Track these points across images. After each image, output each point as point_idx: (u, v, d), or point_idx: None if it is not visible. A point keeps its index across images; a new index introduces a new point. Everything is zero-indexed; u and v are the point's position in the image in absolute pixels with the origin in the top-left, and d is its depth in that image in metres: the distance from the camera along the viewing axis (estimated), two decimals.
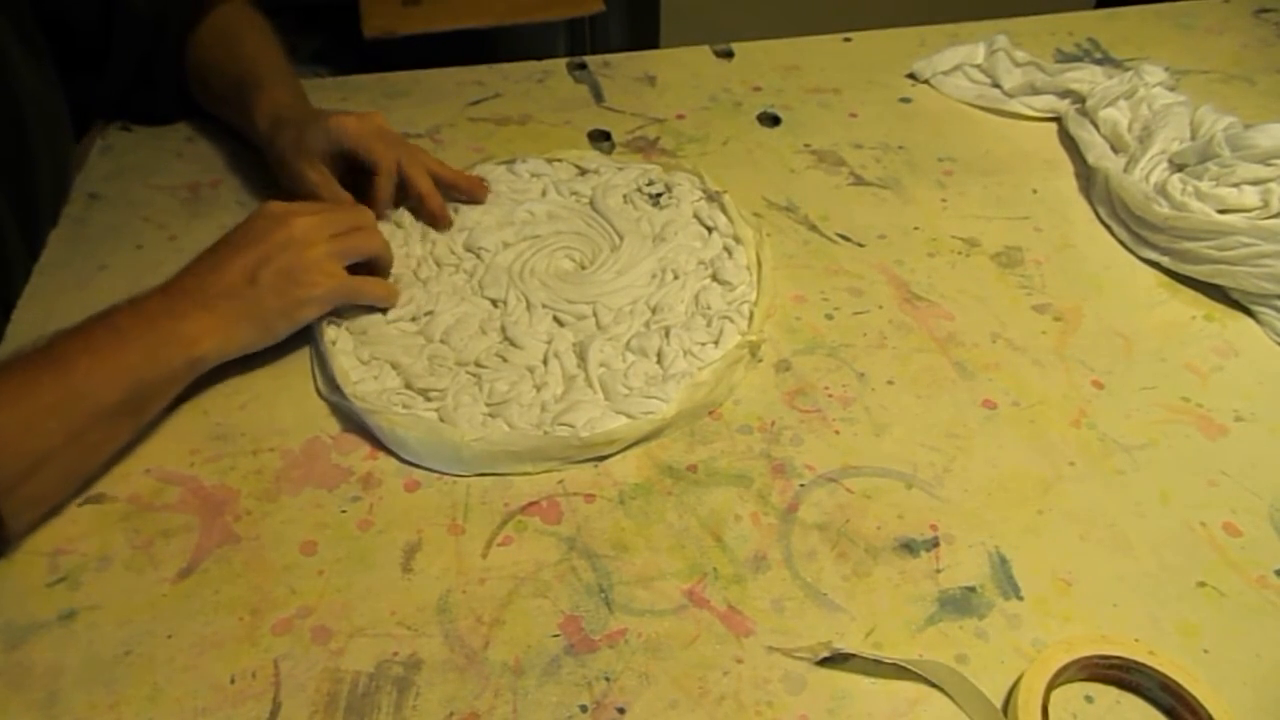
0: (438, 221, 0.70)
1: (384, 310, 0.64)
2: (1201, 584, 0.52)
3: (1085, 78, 0.86)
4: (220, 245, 0.59)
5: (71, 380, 0.50)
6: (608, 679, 0.47)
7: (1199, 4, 1.06)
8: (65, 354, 0.51)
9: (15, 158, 0.66)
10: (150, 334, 0.53)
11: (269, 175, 0.76)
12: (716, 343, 0.62)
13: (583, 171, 0.77)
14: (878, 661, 0.47)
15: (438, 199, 0.70)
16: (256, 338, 0.58)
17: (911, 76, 0.93)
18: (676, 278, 0.67)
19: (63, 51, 0.74)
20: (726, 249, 0.69)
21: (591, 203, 0.73)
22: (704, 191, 0.74)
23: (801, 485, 0.56)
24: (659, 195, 0.74)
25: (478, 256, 0.68)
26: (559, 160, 0.78)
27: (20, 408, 0.48)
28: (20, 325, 0.63)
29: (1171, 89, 0.84)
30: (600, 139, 0.83)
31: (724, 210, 0.72)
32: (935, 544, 0.53)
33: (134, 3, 0.76)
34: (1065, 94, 0.87)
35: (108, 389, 0.51)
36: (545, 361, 0.61)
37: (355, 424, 0.58)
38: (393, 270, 0.67)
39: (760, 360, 0.63)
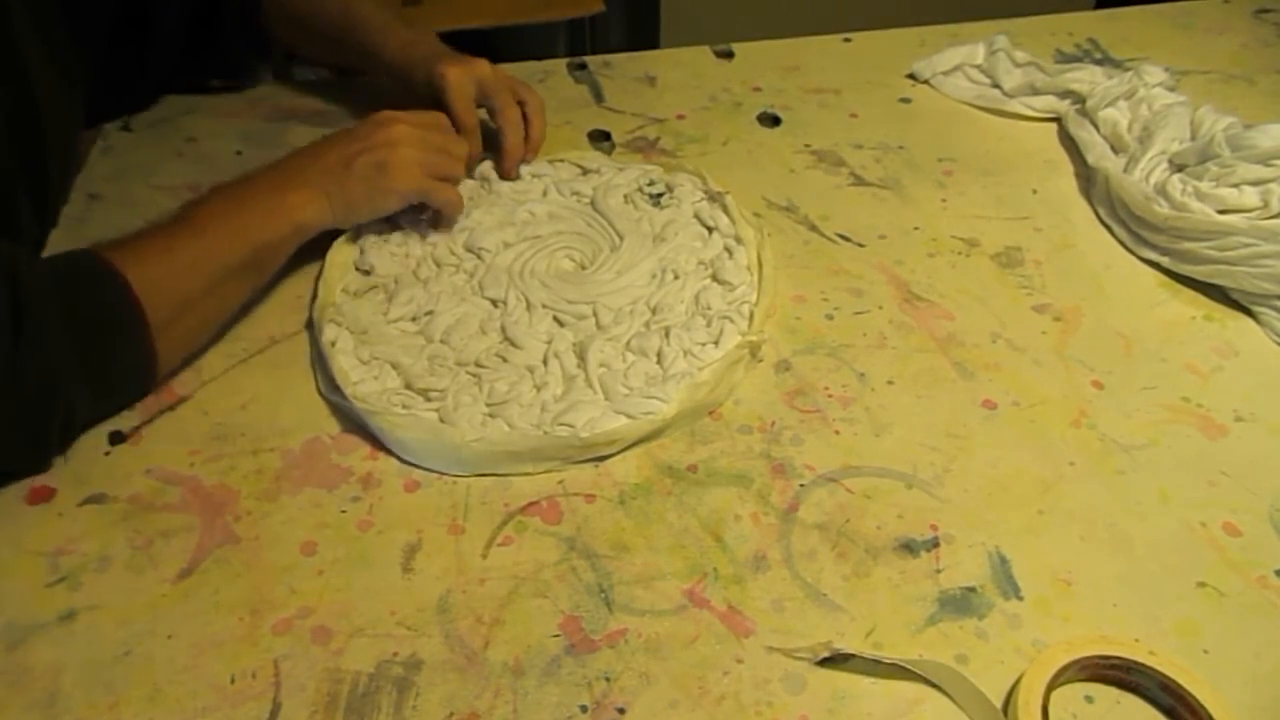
0: (505, 172, 0.76)
1: (385, 314, 0.64)
2: (1201, 584, 0.52)
3: (1085, 78, 0.86)
4: (331, 136, 0.67)
5: (204, 241, 0.59)
6: (608, 679, 0.47)
7: (1199, 4, 1.06)
8: (197, 219, 0.60)
9: (33, 154, 0.67)
10: (263, 203, 0.62)
11: None
12: (716, 343, 0.62)
13: (584, 171, 0.77)
14: (878, 661, 0.47)
15: (510, 160, 0.76)
16: (345, 216, 0.66)
17: (911, 76, 0.93)
18: (677, 278, 0.67)
19: (97, 21, 0.76)
20: (727, 249, 0.69)
21: (593, 203, 0.73)
22: (705, 192, 0.74)
23: (801, 485, 0.56)
24: (660, 195, 0.74)
25: (478, 257, 0.68)
26: (561, 160, 0.78)
27: (166, 263, 0.57)
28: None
29: (1171, 89, 0.84)
30: (600, 139, 0.83)
31: (725, 211, 0.72)
32: (935, 544, 0.53)
33: None
34: (1065, 94, 0.87)
35: (233, 249, 0.59)
36: (545, 361, 0.61)
37: (355, 424, 0.58)
38: (393, 270, 0.67)
39: (760, 360, 0.63)
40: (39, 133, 0.67)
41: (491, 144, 0.77)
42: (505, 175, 0.75)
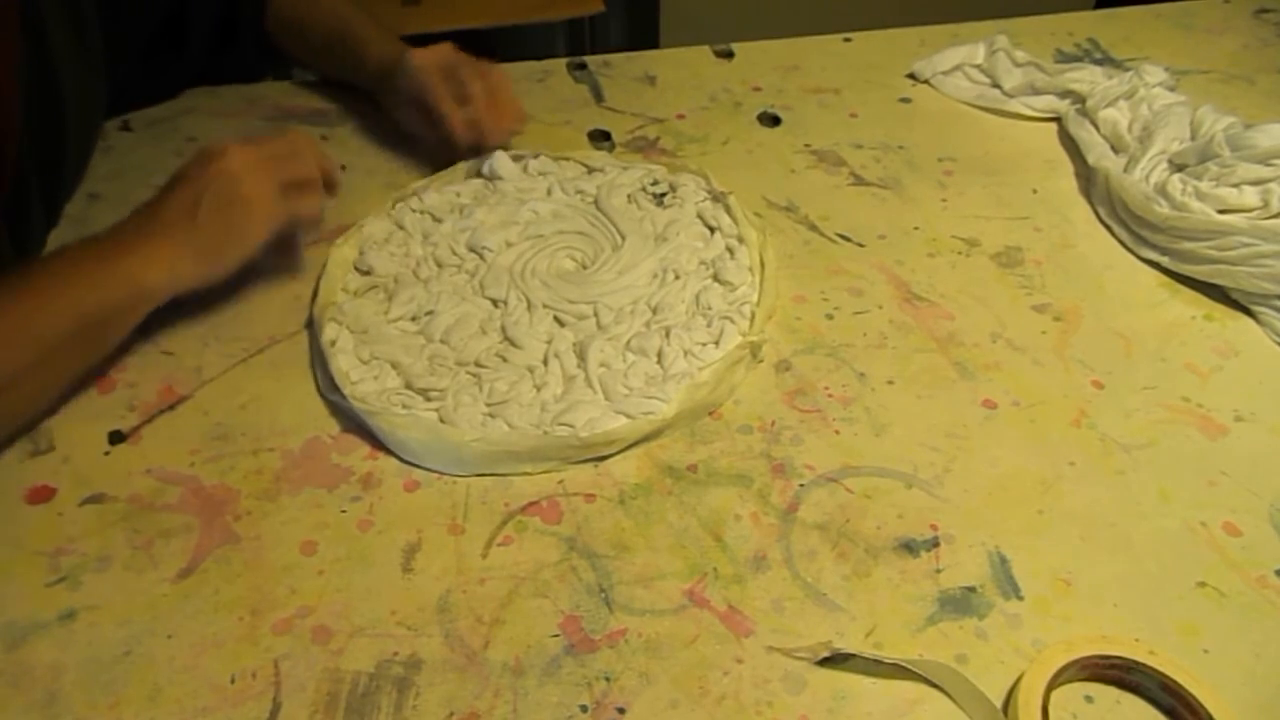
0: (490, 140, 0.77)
1: (386, 313, 0.64)
2: (1201, 584, 0.52)
3: (1085, 78, 0.86)
4: (164, 186, 0.60)
5: (24, 310, 0.54)
6: (608, 679, 0.47)
7: (1199, 4, 1.06)
8: (23, 284, 0.55)
9: (51, 157, 0.68)
10: (97, 269, 0.56)
11: None
12: (717, 343, 0.62)
13: (589, 170, 0.77)
14: (878, 661, 0.47)
15: (490, 129, 0.76)
16: (206, 269, 0.59)
17: (911, 76, 0.93)
18: (677, 278, 0.67)
19: (137, 33, 0.77)
20: (729, 249, 0.69)
21: (596, 202, 0.73)
22: (709, 192, 0.74)
23: (801, 485, 0.56)
24: (663, 195, 0.74)
25: (480, 256, 0.68)
26: (566, 159, 0.78)
27: None
28: None
29: (1171, 89, 0.84)
30: (600, 139, 0.83)
31: (728, 211, 0.72)
32: (935, 544, 0.53)
33: None
34: (1065, 94, 0.87)
35: (58, 320, 0.54)
36: (545, 361, 0.61)
37: (355, 424, 0.58)
38: (394, 270, 0.67)
39: (761, 361, 0.63)
40: (61, 124, 0.67)
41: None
42: (491, 143, 0.76)
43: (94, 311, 0.55)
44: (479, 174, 0.76)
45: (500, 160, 0.76)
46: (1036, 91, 0.88)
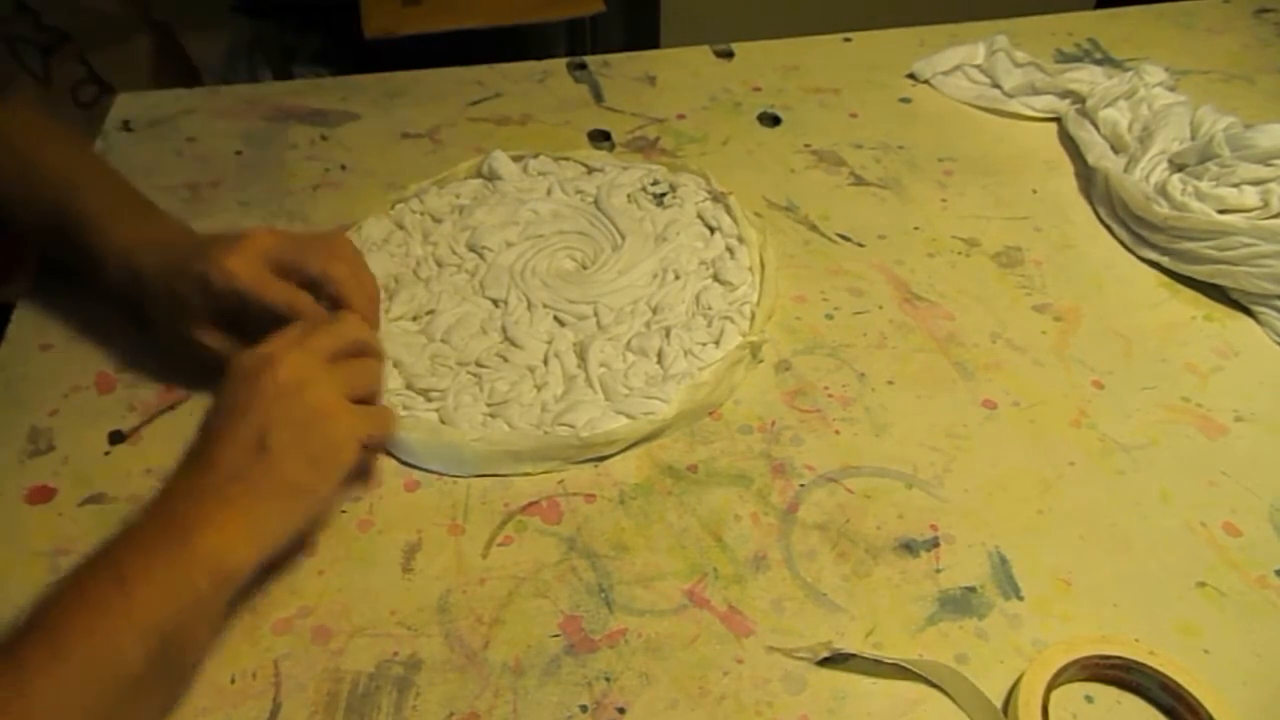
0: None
1: (386, 313, 0.64)
2: (1201, 584, 0.52)
3: (1085, 78, 0.86)
4: (203, 436, 0.47)
5: (80, 654, 0.38)
6: (608, 679, 0.47)
7: (1199, 4, 1.06)
8: (60, 627, 0.39)
9: None
10: (162, 569, 0.41)
11: (269, 176, 0.76)
12: (717, 343, 0.62)
13: (589, 170, 0.77)
14: (878, 661, 0.47)
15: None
16: (299, 517, 0.47)
17: (911, 76, 0.93)
18: (677, 278, 0.67)
19: None
20: (729, 249, 0.69)
21: (596, 202, 0.73)
22: (709, 192, 0.74)
23: (801, 485, 0.56)
24: (663, 195, 0.74)
25: (480, 256, 0.68)
26: (566, 159, 0.78)
27: (12, 710, 0.37)
28: (20, 325, 0.63)
29: (1171, 89, 0.84)
30: (600, 139, 0.83)
31: (728, 211, 0.72)
32: (935, 544, 0.53)
33: None
34: (1065, 94, 0.87)
35: (126, 654, 0.39)
36: (546, 361, 0.61)
37: None
38: (394, 270, 0.67)
39: (761, 361, 0.63)
40: None
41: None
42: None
43: (171, 625, 0.40)
44: (479, 174, 0.76)
45: (500, 160, 0.76)
46: (1036, 91, 0.88)
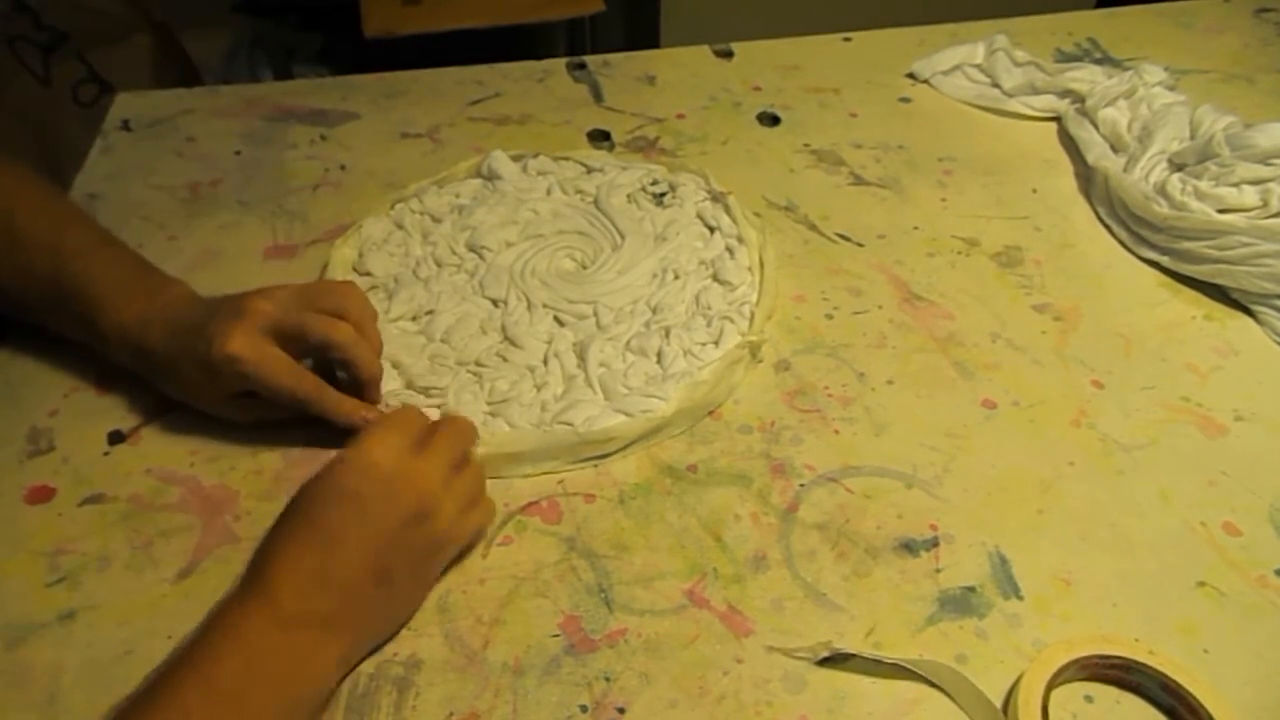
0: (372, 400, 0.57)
1: (386, 313, 0.64)
2: (1201, 584, 0.52)
3: (1085, 77, 0.86)
4: (316, 534, 0.44)
5: None
6: (608, 679, 0.47)
7: (1199, 4, 1.06)
8: None
9: None
10: (255, 690, 0.41)
11: (269, 176, 0.76)
12: (717, 343, 0.62)
13: (589, 170, 0.77)
14: (878, 661, 0.47)
15: (374, 390, 0.57)
16: (387, 635, 0.48)
17: (911, 76, 0.93)
18: (677, 278, 0.67)
19: None
20: (728, 249, 0.69)
21: (595, 201, 0.73)
22: (709, 192, 0.74)
23: (801, 485, 0.56)
24: (663, 195, 0.74)
25: (479, 256, 0.68)
26: (566, 158, 0.78)
27: None
28: (20, 325, 0.63)
29: (1171, 89, 0.84)
30: (600, 139, 0.83)
31: (728, 211, 0.72)
32: (935, 544, 0.53)
33: None
34: (1065, 94, 0.87)
35: None
36: (545, 361, 0.61)
37: None
38: (393, 269, 0.67)
39: (760, 360, 0.63)
40: None
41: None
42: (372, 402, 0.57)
43: None
44: (478, 174, 0.76)
45: (500, 160, 0.76)
46: (1036, 91, 0.88)
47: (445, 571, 0.51)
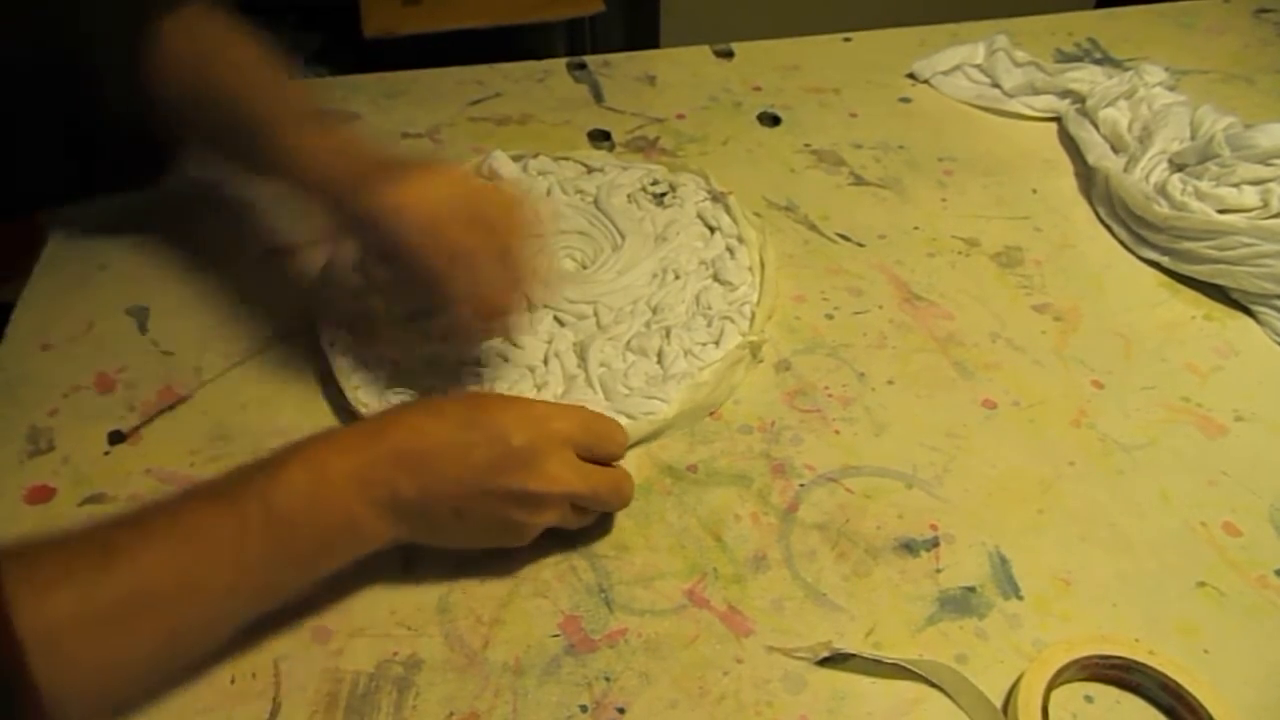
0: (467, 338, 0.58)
1: (386, 313, 0.64)
2: (1201, 584, 0.52)
3: (1085, 78, 0.86)
4: (440, 454, 0.46)
5: (180, 609, 0.42)
6: (608, 679, 0.47)
7: (1199, 4, 1.06)
8: (141, 567, 0.41)
9: None
10: (320, 530, 0.44)
11: None
12: (717, 343, 0.62)
13: (589, 170, 0.77)
14: (878, 661, 0.47)
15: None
16: (445, 548, 0.50)
17: (911, 76, 0.93)
18: (677, 278, 0.67)
19: None
20: (729, 249, 0.69)
21: (595, 201, 0.73)
22: (709, 192, 0.74)
23: (801, 485, 0.56)
24: (663, 195, 0.74)
25: None
26: (566, 158, 0.78)
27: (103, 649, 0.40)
28: (20, 325, 0.63)
29: (1171, 89, 0.84)
30: (600, 139, 0.83)
31: (728, 211, 0.72)
32: (935, 544, 0.53)
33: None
34: (1065, 94, 0.87)
35: (236, 603, 0.44)
36: (545, 361, 0.61)
37: None
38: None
39: (761, 361, 0.63)
40: None
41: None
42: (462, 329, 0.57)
43: (297, 586, 0.46)
44: (479, 174, 0.76)
45: (500, 160, 0.76)
46: (1036, 91, 0.88)
47: (444, 570, 0.51)
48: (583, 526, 0.51)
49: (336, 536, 0.45)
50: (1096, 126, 0.82)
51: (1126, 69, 0.87)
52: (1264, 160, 0.71)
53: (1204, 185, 0.71)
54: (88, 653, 0.39)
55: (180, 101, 0.58)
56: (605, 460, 0.51)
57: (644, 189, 0.75)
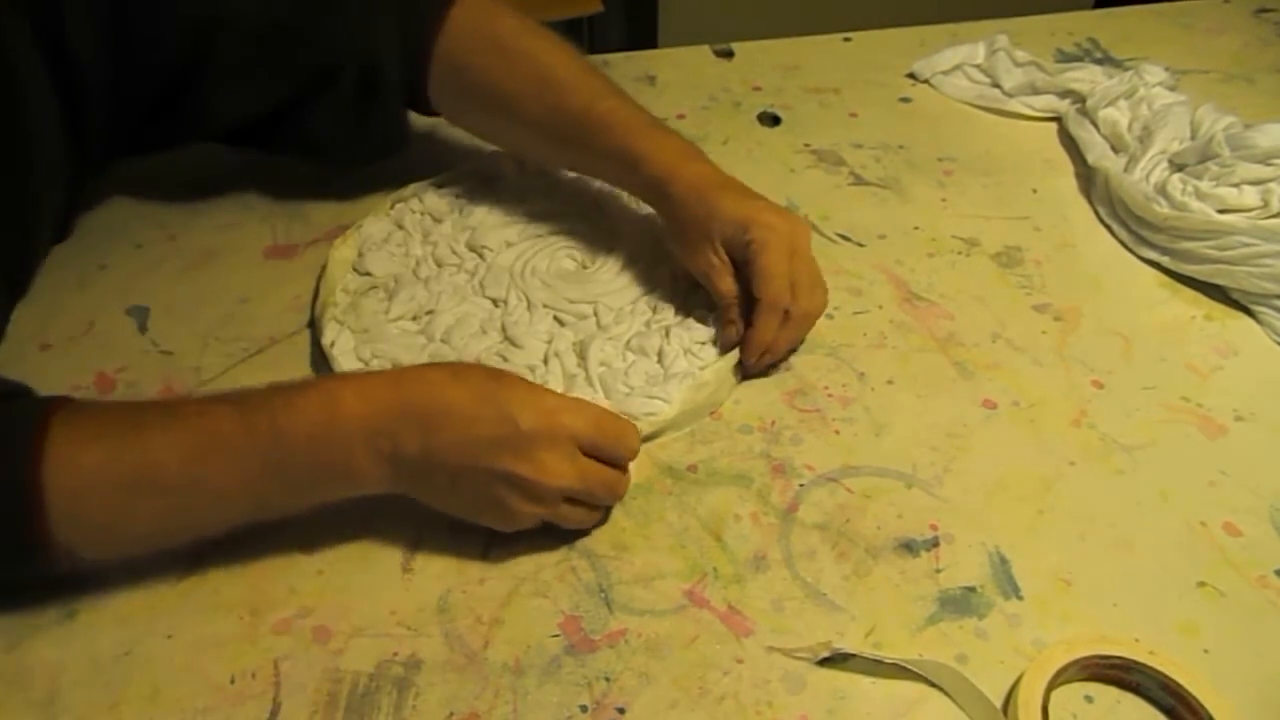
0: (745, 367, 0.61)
1: (386, 313, 0.64)
2: (1201, 584, 0.52)
3: (1085, 77, 0.86)
4: (448, 417, 0.47)
5: (189, 472, 0.45)
6: (608, 679, 0.47)
7: (1199, 4, 1.06)
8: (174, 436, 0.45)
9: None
10: (317, 461, 0.47)
11: (270, 176, 0.76)
12: (716, 342, 0.62)
13: None
14: (878, 661, 0.47)
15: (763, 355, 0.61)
16: (434, 508, 0.51)
17: (911, 76, 0.93)
18: (677, 277, 0.67)
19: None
20: None
21: (596, 201, 0.73)
22: None
23: (801, 485, 0.56)
24: None
25: (480, 256, 0.68)
26: None
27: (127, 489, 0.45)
28: (20, 325, 0.63)
29: (1171, 89, 0.84)
30: None
31: None
32: (935, 544, 0.53)
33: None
34: (1065, 94, 0.87)
35: (235, 501, 0.47)
36: (546, 361, 0.61)
37: None
38: (394, 269, 0.67)
39: None
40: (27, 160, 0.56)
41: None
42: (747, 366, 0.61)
43: (291, 506, 0.49)
44: (479, 174, 0.76)
45: (500, 160, 0.76)
46: (1036, 91, 0.88)
47: (444, 570, 0.51)
48: (578, 528, 0.52)
49: (332, 474, 0.47)
50: (1096, 126, 0.82)
51: (1126, 69, 0.87)
52: (1264, 160, 0.71)
53: (1204, 185, 0.71)
54: (99, 510, 0.44)
55: (507, 94, 0.66)
56: (614, 463, 0.51)
57: None
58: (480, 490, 0.48)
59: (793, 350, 0.63)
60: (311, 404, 0.46)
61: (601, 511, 0.53)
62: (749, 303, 0.60)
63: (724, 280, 0.61)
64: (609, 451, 0.50)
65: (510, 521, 0.50)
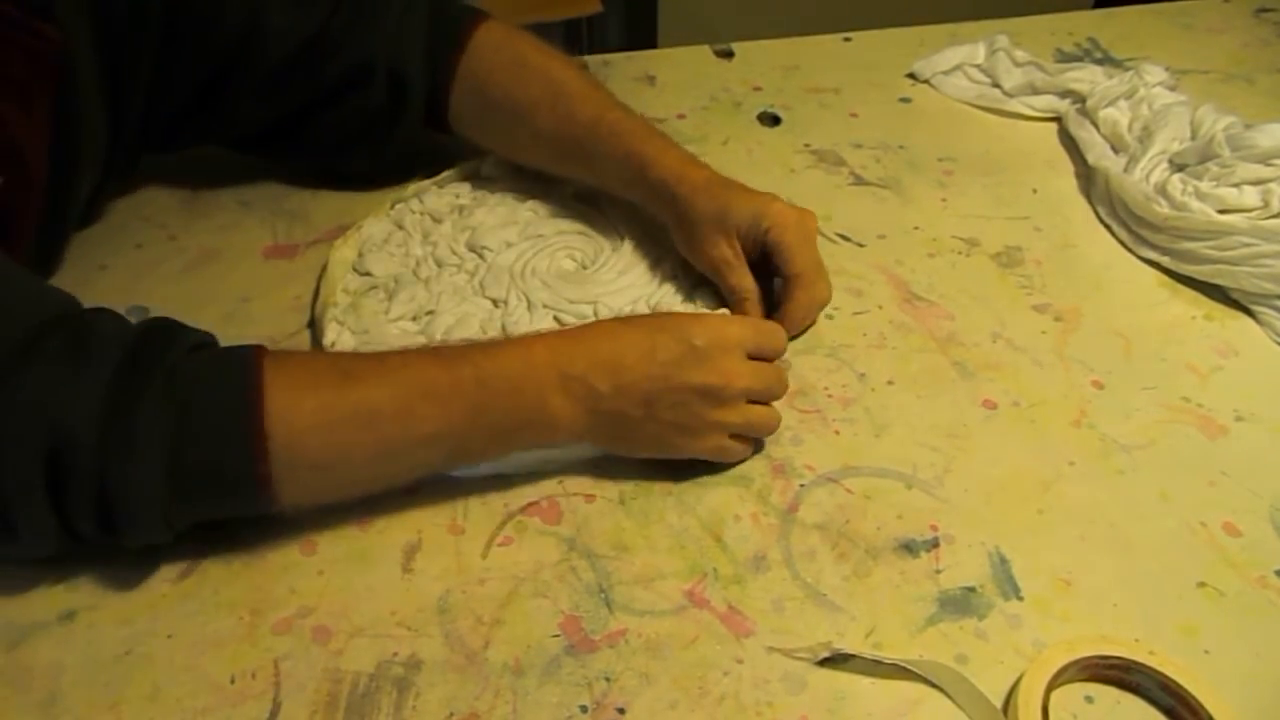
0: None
1: (386, 313, 0.64)
2: (1201, 584, 0.52)
3: (1085, 77, 0.86)
4: (631, 352, 0.52)
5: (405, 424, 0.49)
6: (608, 679, 0.47)
7: (1199, 4, 1.06)
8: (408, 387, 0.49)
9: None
10: (517, 406, 0.51)
11: (269, 175, 0.76)
12: None
13: None
14: (878, 661, 0.47)
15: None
16: (616, 450, 0.56)
17: (911, 76, 0.93)
18: (677, 277, 0.67)
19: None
20: None
21: (596, 201, 0.73)
22: None
23: (801, 485, 0.56)
24: None
25: (480, 256, 0.68)
26: None
27: (349, 438, 0.48)
28: None
29: (1171, 89, 0.84)
30: None
31: None
32: (935, 544, 0.53)
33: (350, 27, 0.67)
34: (1065, 94, 0.87)
35: (441, 445, 0.50)
36: None
37: None
38: (394, 270, 0.67)
39: None
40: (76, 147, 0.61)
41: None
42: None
43: (493, 450, 0.53)
44: (479, 174, 0.76)
45: (500, 160, 0.76)
46: (1036, 91, 0.88)
47: (444, 570, 0.51)
48: (741, 460, 0.56)
49: (531, 417, 0.51)
50: (1097, 126, 0.82)
51: (1126, 69, 0.87)
52: (1264, 160, 0.71)
53: (1204, 185, 0.71)
54: (316, 451, 0.47)
55: (514, 110, 0.69)
56: (770, 357, 0.56)
57: None
58: (674, 412, 0.52)
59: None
60: (510, 354, 0.51)
61: (752, 444, 0.57)
62: (766, 296, 0.64)
63: (741, 275, 0.63)
64: (769, 349, 0.56)
65: (702, 438, 0.54)
